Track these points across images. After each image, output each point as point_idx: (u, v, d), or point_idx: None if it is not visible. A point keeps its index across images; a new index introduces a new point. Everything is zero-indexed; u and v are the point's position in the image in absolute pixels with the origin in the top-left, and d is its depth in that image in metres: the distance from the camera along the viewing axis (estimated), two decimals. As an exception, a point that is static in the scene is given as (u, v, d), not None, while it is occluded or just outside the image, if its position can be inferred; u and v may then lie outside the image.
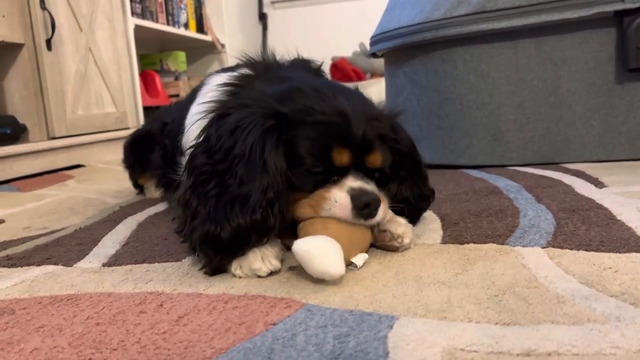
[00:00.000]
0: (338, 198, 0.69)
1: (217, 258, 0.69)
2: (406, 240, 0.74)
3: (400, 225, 0.75)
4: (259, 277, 0.68)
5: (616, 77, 1.31)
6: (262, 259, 0.68)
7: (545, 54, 1.34)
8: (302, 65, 0.97)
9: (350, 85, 0.88)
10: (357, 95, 0.79)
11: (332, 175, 0.70)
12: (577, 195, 0.99)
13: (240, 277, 0.68)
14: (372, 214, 0.70)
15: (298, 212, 0.72)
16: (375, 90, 3.28)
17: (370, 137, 0.71)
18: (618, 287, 0.57)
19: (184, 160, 0.79)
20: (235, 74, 0.89)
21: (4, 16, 2.01)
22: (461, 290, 0.59)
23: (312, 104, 0.70)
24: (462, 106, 1.41)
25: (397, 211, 0.78)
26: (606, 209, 0.88)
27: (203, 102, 0.82)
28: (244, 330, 0.53)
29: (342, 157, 0.70)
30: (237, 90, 0.83)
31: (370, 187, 0.71)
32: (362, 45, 3.43)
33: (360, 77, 3.48)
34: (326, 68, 3.60)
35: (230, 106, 0.75)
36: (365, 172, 0.72)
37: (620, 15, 1.27)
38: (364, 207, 0.68)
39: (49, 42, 2.08)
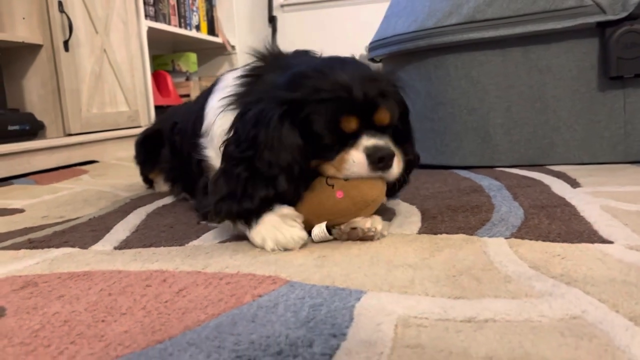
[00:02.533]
0: (355, 158, 0.79)
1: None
2: (379, 228, 0.83)
3: (367, 221, 0.83)
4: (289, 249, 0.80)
5: (598, 84, 1.39)
6: (293, 236, 0.80)
7: (532, 62, 1.42)
8: (303, 53, 1.04)
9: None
10: (354, 64, 0.88)
11: (348, 140, 0.80)
12: (551, 194, 1.07)
13: (272, 250, 0.80)
14: (388, 165, 0.80)
15: (325, 172, 0.83)
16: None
17: (372, 97, 0.80)
18: (560, 270, 0.65)
19: (205, 142, 0.98)
20: (247, 67, 0.99)
21: (24, 18, 2.13)
22: (425, 272, 0.68)
23: (316, 84, 0.81)
24: (454, 110, 1.49)
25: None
26: (573, 206, 0.96)
27: (223, 97, 0.93)
28: (234, 301, 0.62)
29: (351, 124, 0.80)
30: (251, 81, 0.93)
31: (382, 142, 0.80)
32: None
33: (366, 80, 3.56)
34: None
35: (249, 102, 0.86)
36: (378, 130, 0.82)
37: (602, 26, 1.35)
38: (378, 160, 0.79)
39: (66, 44, 2.19)
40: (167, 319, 0.58)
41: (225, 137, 0.86)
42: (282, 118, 0.79)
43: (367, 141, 0.80)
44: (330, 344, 0.50)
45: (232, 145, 0.83)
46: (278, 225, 0.80)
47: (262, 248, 0.81)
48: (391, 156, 0.80)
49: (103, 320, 0.59)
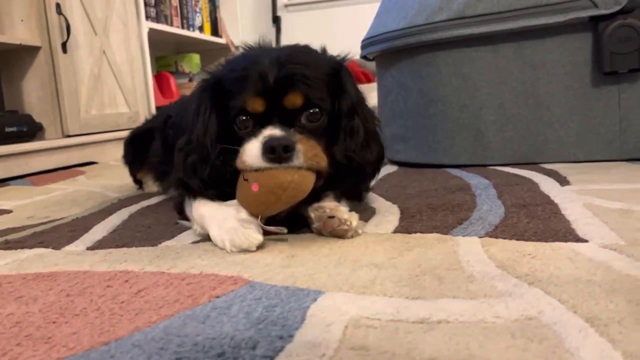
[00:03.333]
0: (249, 147, 0.77)
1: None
2: (354, 223, 0.81)
3: (345, 212, 0.82)
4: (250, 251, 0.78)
5: (592, 80, 1.36)
6: (248, 237, 0.78)
7: (525, 57, 1.40)
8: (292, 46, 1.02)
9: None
10: (299, 51, 0.84)
11: (257, 127, 0.78)
12: (536, 192, 1.05)
13: (232, 251, 0.79)
14: (284, 157, 0.74)
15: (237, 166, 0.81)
16: (382, 92, 3.34)
17: (283, 79, 0.76)
18: (527, 269, 0.63)
19: None
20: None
21: (22, 20, 2.14)
22: (389, 271, 0.66)
23: (241, 63, 0.80)
24: (445, 108, 1.47)
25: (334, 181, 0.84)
26: (556, 204, 0.93)
27: None
28: (190, 302, 0.61)
29: (255, 105, 0.77)
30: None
31: (283, 132, 0.75)
32: (371, 47, 3.49)
33: (369, 79, 3.54)
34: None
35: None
36: (291, 117, 0.77)
37: (595, 20, 1.32)
38: (270, 150, 0.74)
39: (64, 45, 2.20)
40: (119, 320, 0.57)
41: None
42: (202, 96, 0.82)
43: (269, 131, 0.76)
44: (274, 345, 0.49)
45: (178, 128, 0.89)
46: (236, 228, 0.79)
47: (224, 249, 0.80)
48: (288, 147, 0.74)
49: (54, 322, 0.58)
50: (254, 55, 0.83)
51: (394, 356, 0.45)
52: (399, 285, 0.61)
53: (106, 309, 0.61)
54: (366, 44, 1.64)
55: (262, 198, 0.78)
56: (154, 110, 2.84)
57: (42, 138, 2.18)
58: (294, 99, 0.77)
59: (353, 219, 0.82)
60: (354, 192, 0.91)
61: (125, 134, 2.52)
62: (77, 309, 0.61)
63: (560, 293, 0.55)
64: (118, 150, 2.53)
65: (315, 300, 0.58)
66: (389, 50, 1.54)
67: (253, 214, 0.81)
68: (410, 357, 0.45)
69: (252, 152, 0.76)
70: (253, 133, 0.78)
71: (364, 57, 1.72)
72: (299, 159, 0.75)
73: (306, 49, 0.86)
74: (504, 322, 0.50)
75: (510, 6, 1.35)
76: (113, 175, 1.90)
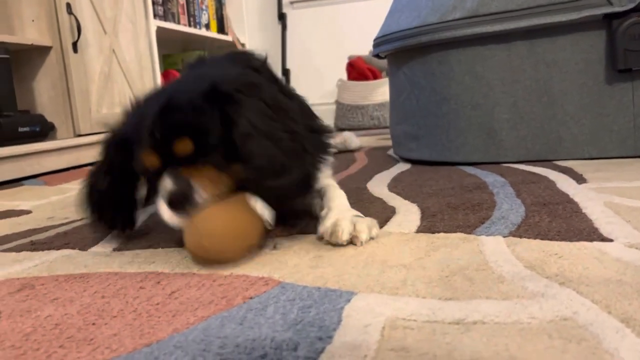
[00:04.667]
0: (160, 208, 0.77)
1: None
2: (362, 237, 0.79)
3: (344, 230, 0.79)
4: None
5: (606, 77, 1.37)
6: None
7: (538, 55, 1.40)
8: (241, 59, 0.97)
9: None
10: (190, 83, 0.85)
11: (157, 175, 0.77)
12: (554, 190, 1.06)
13: None
14: (184, 205, 0.74)
15: None
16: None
17: (168, 129, 0.75)
18: (555, 270, 0.64)
19: None
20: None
21: (33, 20, 2.15)
22: (418, 272, 0.67)
23: (131, 119, 0.85)
24: (458, 106, 1.48)
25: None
26: (576, 202, 0.94)
27: None
28: (224, 303, 0.62)
29: (151, 162, 0.77)
30: None
31: (176, 181, 0.75)
32: (377, 44, 3.49)
33: (375, 76, 3.55)
34: (343, 66, 3.69)
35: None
36: (187, 161, 0.76)
37: (609, 18, 1.32)
38: (172, 204, 0.74)
39: (75, 45, 2.21)
40: (157, 321, 0.58)
41: None
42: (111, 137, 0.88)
43: (167, 184, 0.75)
44: (315, 347, 0.50)
45: None
46: None
47: None
48: (183, 194, 0.74)
49: (94, 323, 0.59)
50: (147, 100, 0.85)
51: (435, 357, 0.46)
52: (430, 286, 0.62)
53: (143, 310, 0.62)
54: (378, 42, 1.64)
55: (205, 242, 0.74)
56: (162, 109, 2.85)
57: (53, 138, 2.19)
58: (182, 149, 0.75)
59: (361, 231, 0.80)
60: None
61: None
62: (114, 310, 0.62)
63: (593, 293, 0.56)
64: (128, 149, 2.55)
65: (348, 301, 0.59)
66: (402, 48, 1.55)
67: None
68: (451, 358, 0.46)
69: (162, 211, 0.77)
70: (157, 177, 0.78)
71: (376, 55, 1.72)
72: (202, 197, 0.75)
73: (202, 76, 0.86)
74: (540, 323, 0.51)
75: (524, 4, 1.35)
76: (126, 174, 1.91)
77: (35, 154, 1.98)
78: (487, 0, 1.37)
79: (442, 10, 1.42)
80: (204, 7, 3.61)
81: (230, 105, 0.77)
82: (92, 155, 2.25)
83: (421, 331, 0.51)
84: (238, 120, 0.76)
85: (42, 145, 2.01)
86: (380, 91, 3.42)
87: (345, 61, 3.69)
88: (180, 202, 0.74)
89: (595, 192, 1.01)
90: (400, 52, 1.59)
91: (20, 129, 1.99)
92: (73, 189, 1.62)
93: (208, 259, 0.75)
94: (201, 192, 0.75)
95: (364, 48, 3.59)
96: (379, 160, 1.79)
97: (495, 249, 0.73)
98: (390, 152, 1.95)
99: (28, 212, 1.31)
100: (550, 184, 1.12)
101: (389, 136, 1.97)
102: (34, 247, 0.94)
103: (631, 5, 1.28)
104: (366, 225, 0.81)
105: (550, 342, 0.47)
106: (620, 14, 1.30)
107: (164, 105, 0.77)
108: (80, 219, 1.15)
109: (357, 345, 0.49)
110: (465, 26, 1.40)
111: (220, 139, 0.76)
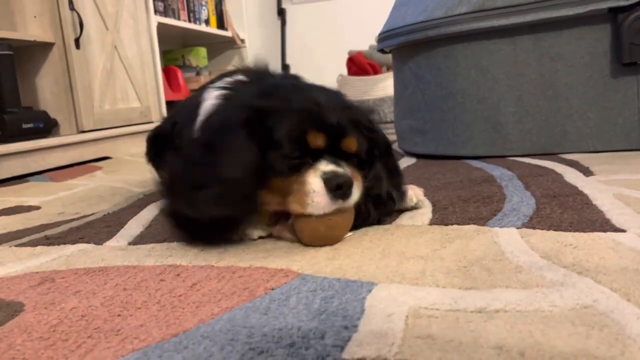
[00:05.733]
0: (314, 186, 0.74)
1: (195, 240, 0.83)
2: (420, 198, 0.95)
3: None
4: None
5: (611, 71, 1.38)
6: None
7: (543, 49, 1.41)
8: (292, 76, 1.03)
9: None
10: (333, 92, 0.88)
11: (308, 159, 0.76)
12: (563, 183, 1.07)
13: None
14: (347, 194, 0.76)
15: (288, 208, 0.78)
16: (390, 84, 3.35)
17: (344, 123, 0.78)
18: (572, 259, 0.65)
19: None
20: (230, 79, 0.97)
21: (35, 17, 2.15)
22: (436, 263, 0.68)
23: (290, 95, 0.80)
24: (464, 100, 1.49)
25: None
26: (585, 194, 0.95)
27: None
28: (247, 294, 0.63)
29: (317, 140, 0.76)
30: (230, 95, 0.89)
31: (342, 169, 0.77)
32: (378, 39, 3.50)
33: (376, 71, 3.55)
34: (343, 62, 3.66)
35: (218, 107, 0.85)
36: (341, 157, 0.79)
37: (614, 11, 1.33)
38: (336, 188, 0.74)
39: (77, 41, 2.21)
40: (182, 312, 0.59)
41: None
42: (242, 126, 0.76)
43: (326, 166, 0.76)
44: (341, 335, 0.50)
45: (190, 148, 0.84)
46: None
47: None
48: (350, 184, 0.76)
49: (119, 315, 0.60)
50: (296, 86, 0.85)
51: (461, 344, 0.47)
52: (449, 277, 0.63)
53: (166, 302, 0.62)
54: (384, 37, 1.65)
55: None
56: (164, 105, 2.85)
57: (57, 134, 2.19)
58: (350, 144, 0.79)
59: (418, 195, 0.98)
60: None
61: (138, 128, 2.56)
62: (137, 302, 0.63)
63: (611, 282, 0.57)
64: (131, 145, 2.56)
65: (370, 291, 0.60)
66: (408, 43, 1.55)
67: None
68: (477, 345, 0.47)
69: (317, 189, 0.74)
70: (302, 164, 0.76)
71: (380, 50, 1.73)
72: (354, 197, 0.78)
73: (338, 93, 0.90)
74: (561, 310, 0.52)
75: (530, -2, 1.36)
76: (130, 170, 1.92)
77: (40, 150, 1.98)
78: (493, -5, 1.38)
79: (448, 4, 1.42)
80: (203, 3, 3.61)
81: (375, 132, 0.87)
82: (96, 151, 2.27)
83: (445, 319, 0.52)
84: (379, 132, 0.89)
85: (47, 141, 2.01)
86: (380, 86, 3.42)
87: (345, 56, 3.69)
88: (343, 189, 0.75)
89: (604, 184, 1.02)
90: (405, 46, 1.60)
91: (24, 126, 1.99)
92: (80, 185, 1.63)
93: (319, 242, 0.79)
94: (356, 187, 0.78)
95: (364, 43, 3.59)
96: (383, 154, 1.79)
97: (509, 240, 0.74)
98: (394, 146, 1.96)
99: (37, 207, 1.31)
100: (558, 177, 1.13)
101: (391, 131, 1.98)
102: (49, 241, 0.95)
103: (636, -1, 1.29)
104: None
105: (574, 329, 0.48)
106: (625, 7, 1.31)
107: (342, 102, 0.83)
108: (91, 214, 1.16)
109: (383, 333, 0.50)
110: (471, 20, 1.41)
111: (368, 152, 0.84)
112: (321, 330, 0.52)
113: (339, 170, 0.76)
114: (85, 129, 2.24)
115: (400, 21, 1.56)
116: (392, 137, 1.99)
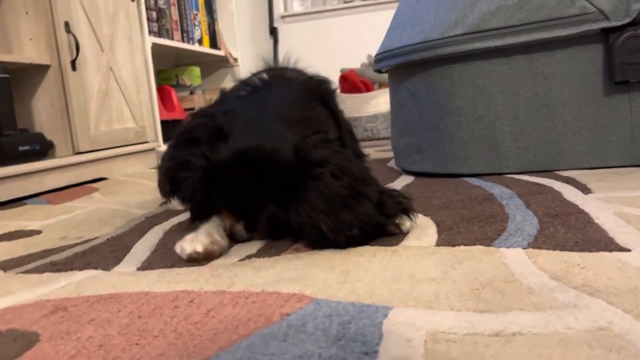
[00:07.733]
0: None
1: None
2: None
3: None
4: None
5: (604, 89, 1.41)
6: (192, 242, 0.92)
7: (537, 69, 1.44)
8: (313, 91, 1.17)
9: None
10: (277, 132, 0.96)
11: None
12: (563, 201, 1.08)
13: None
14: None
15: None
16: (383, 101, 3.40)
17: (257, 199, 0.94)
18: (581, 280, 0.66)
19: None
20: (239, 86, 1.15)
21: (31, 39, 2.16)
22: (448, 285, 0.69)
23: (231, 149, 0.93)
24: (461, 119, 1.51)
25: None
26: (586, 213, 0.97)
27: None
28: (263, 320, 0.63)
29: (232, 219, 0.97)
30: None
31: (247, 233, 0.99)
32: (370, 57, 3.54)
33: (368, 88, 3.59)
34: (335, 79, 3.69)
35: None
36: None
37: (606, 32, 1.36)
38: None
39: (73, 63, 2.21)
40: (200, 340, 0.60)
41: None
42: (199, 168, 0.95)
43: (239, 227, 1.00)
44: (363, 362, 0.51)
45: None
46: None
47: None
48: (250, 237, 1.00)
49: (137, 344, 0.60)
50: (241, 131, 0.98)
51: (483, 369, 0.48)
52: (463, 300, 0.64)
53: (183, 330, 0.63)
54: (380, 57, 1.67)
55: None
56: (159, 125, 2.86)
57: (53, 156, 2.19)
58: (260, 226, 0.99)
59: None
60: None
61: (133, 148, 2.56)
62: (154, 330, 0.63)
63: (622, 303, 0.58)
64: (127, 166, 2.56)
65: (385, 315, 0.61)
66: (404, 63, 1.58)
67: None
68: (498, 369, 0.48)
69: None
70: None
71: (377, 70, 1.75)
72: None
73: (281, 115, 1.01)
74: (577, 333, 0.53)
75: (524, 20, 1.39)
76: (127, 191, 1.92)
77: (37, 173, 1.97)
78: (488, 16, 1.41)
79: (444, 26, 1.45)
80: (196, 23, 3.63)
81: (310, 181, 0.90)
82: (92, 172, 2.26)
83: (463, 344, 0.53)
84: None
85: (44, 163, 2.01)
86: (373, 103, 3.46)
87: (338, 74, 3.73)
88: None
89: (603, 202, 1.04)
90: (402, 67, 1.62)
91: (21, 148, 1.98)
92: (78, 207, 1.63)
93: None
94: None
95: (356, 61, 3.63)
96: (381, 172, 1.81)
97: (518, 261, 0.76)
98: (391, 163, 1.97)
99: (38, 232, 1.31)
100: (557, 195, 1.15)
101: (385, 148, 2.00)
102: (56, 267, 0.95)
103: (627, 20, 1.32)
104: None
105: (592, 352, 0.49)
106: (617, 28, 1.34)
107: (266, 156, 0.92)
108: (94, 238, 1.16)
109: (405, 358, 0.51)
110: (466, 41, 1.43)
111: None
112: (342, 357, 0.53)
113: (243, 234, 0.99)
114: (81, 150, 2.24)
115: (397, 42, 1.58)
116: (388, 155, 2.01)
